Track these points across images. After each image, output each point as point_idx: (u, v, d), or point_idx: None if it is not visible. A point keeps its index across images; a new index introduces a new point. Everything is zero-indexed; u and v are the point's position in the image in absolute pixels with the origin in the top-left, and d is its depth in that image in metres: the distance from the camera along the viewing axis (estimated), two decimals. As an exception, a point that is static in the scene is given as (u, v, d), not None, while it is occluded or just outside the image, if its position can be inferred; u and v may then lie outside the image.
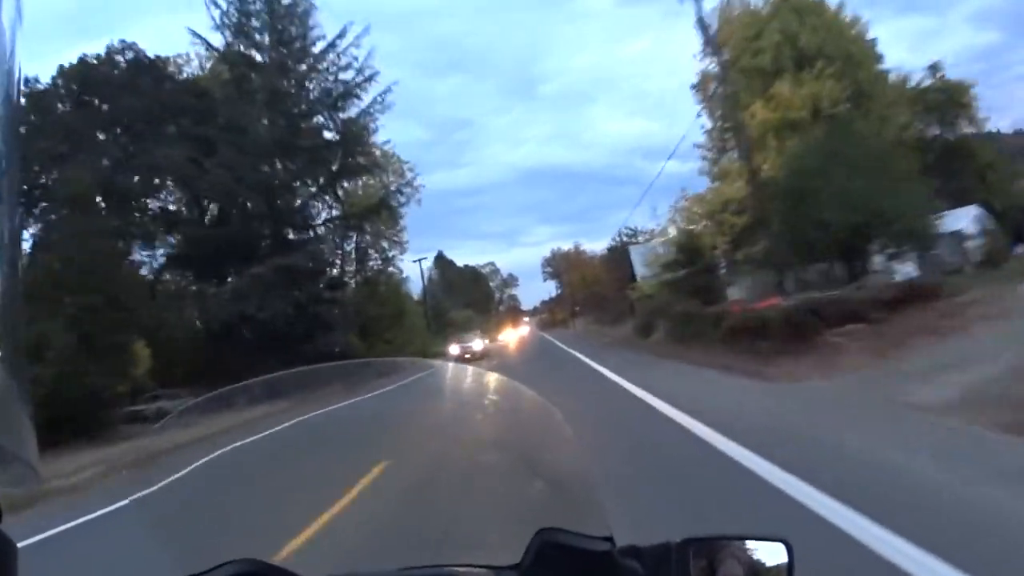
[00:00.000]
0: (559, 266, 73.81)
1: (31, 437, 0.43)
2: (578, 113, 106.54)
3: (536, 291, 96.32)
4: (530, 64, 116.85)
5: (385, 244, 33.87)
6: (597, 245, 76.02)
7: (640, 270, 29.28)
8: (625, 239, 56.41)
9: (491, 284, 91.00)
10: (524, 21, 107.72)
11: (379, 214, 30.60)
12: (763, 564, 0.83)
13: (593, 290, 54.05)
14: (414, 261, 47.05)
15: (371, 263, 33.13)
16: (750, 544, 0.84)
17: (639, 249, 32.32)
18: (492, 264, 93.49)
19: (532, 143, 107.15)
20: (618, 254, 59.40)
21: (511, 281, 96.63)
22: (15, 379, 0.41)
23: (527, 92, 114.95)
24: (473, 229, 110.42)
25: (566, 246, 75.54)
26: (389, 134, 41.17)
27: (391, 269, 34.36)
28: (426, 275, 79.00)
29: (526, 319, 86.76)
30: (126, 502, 3.78)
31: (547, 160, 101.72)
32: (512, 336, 54.70)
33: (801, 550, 0.84)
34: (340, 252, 30.50)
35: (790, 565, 0.83)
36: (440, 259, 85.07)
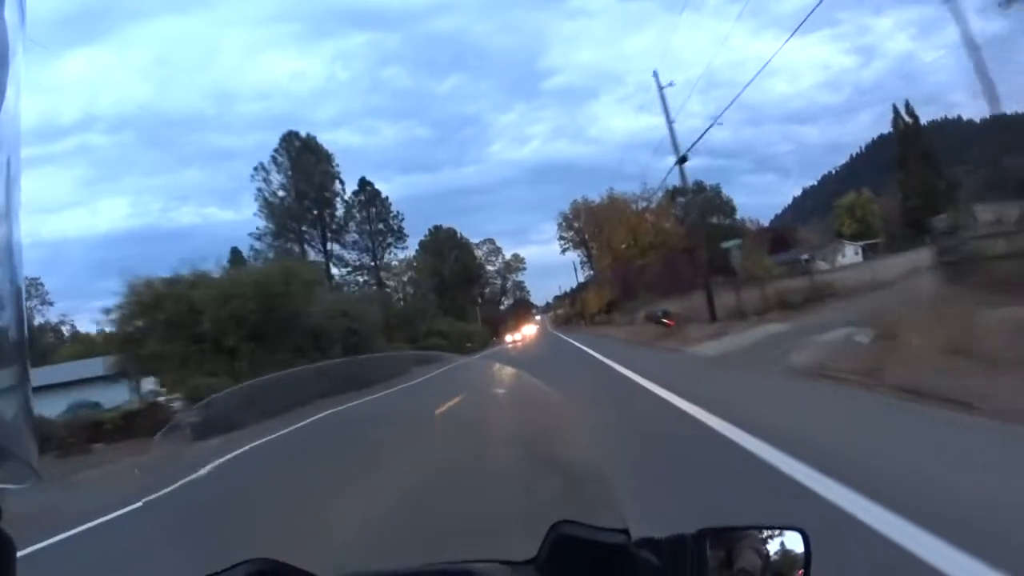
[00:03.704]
0: (588, 225, 50.81)
1: (30, 436, 0.45)
2: (583, 109, 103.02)
3: (547, 289, 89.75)
4: (533, 60, 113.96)
5: None
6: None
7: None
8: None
9: (489, 268, 66.78)
10: (525, 18, 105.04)
11: None
12: (780, 553, 0.83)
13: (647, 258, 37.95)
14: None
15: None
16: (766, 534, 0.84)
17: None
18: (492, 242, 66.43)
19: (537, 139, 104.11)
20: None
21: (516, 264, 67.89)
22: (14, 379, 0.43)
23: (531, 89, 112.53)
24: (480, 228, 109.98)
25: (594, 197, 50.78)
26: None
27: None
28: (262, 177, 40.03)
29: (537, 317, 67.81)
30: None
31: (553, 156, 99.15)
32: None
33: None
34: None
35: (807, 554, 0.83)
36: (294, 143, 43.98)
